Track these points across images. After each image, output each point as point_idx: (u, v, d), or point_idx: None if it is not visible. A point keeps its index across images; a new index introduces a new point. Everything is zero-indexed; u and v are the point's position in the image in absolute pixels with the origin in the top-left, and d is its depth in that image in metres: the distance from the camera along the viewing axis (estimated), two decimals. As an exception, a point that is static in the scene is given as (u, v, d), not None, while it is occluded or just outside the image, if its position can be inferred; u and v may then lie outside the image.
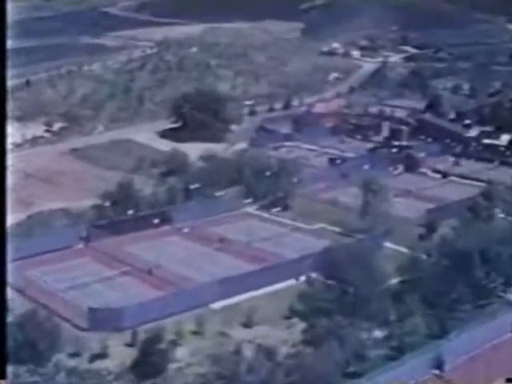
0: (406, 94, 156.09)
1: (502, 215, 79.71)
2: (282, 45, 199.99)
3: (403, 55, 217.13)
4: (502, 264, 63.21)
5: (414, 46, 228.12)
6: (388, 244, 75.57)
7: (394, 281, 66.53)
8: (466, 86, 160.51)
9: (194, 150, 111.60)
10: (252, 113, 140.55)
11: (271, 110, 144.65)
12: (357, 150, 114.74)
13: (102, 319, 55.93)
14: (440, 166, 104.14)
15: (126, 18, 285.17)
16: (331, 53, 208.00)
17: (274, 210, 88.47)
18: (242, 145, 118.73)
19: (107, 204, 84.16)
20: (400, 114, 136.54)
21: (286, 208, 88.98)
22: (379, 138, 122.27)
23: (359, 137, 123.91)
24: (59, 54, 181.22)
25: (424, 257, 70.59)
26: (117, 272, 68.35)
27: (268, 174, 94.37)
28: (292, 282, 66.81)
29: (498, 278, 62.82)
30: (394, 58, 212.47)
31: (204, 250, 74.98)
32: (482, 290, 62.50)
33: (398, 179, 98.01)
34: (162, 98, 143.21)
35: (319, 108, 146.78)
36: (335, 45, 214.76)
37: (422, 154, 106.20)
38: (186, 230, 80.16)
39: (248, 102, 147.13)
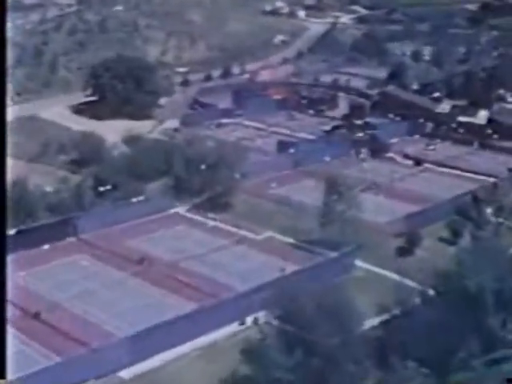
0: (362, 60, 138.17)
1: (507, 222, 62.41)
2: (221, 3, 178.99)
3: (353, 16, 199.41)
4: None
5: (365, 7, 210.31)
6: (359, 263, 58.27)
7: (374, 321, 49.39)
8: (426, 52, 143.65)
9: (113, 130, 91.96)
10: (185, 82, 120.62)
11: (208, 78, 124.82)
12: (310, 129, 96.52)
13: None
14: (410, 150, 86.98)
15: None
16: (275, 12, 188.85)
17: (211, 211, 69.92)
18: (173, 123, 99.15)
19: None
20: (357, 83, 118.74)
21: (225, 208, 70.55)
22: (335, 113, 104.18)
23: (312, 112, 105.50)
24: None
25: (408, 283, 53.95)
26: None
27: (204, 162, 75.25)
28: (234, 327, 48.82)
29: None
30: (344, 18, 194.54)
31: (117, 275, 56.03)
32: (495, 340, 45.68)
33: (362, 168, 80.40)
34: (80, 64, 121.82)
35: (264, 76, 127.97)
36: (279, 3, 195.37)
37: (388, 136, 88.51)
38: (95, 246, 61.11)
39: (181, 69, 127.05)
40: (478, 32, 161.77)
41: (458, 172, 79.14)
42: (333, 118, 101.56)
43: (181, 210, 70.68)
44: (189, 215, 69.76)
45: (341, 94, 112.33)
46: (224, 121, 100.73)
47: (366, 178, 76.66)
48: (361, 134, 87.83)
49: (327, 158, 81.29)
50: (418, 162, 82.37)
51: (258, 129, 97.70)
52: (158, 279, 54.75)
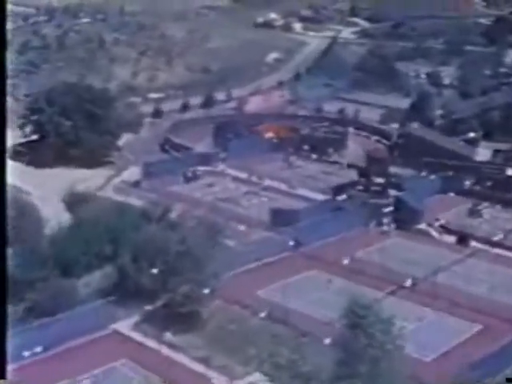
0: (370, 84, 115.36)
1: None
2: (206, 14, 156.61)
3: (355, 29, 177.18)
4: None
5: (367, 19, 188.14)
6: None
7: None
8: (445, 74, 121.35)
9: (52, 184, 69.53)
10: (157, 113, 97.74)
11: (185, 107, 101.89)
12: (313, 183, 73.70)
13: None
14: (448, 218, 64.27)
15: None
16: (267, 25, 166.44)
17: (169, 329, 47.13)
18: (134, 172, 76.21)
19: None
20: (369, 115, 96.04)
21: (191, 324, 47.72)
22: (344, 158, 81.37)
23: (314, 156, 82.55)
24: None
25: None
26: None
27: (166, 247, 52.14)
28: None
29: None
30: (345, 32, 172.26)
31: None
32: None
33: (387, 250, 57.63)
34: (29, 90, 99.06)
35: (254, 105, 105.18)
36: (273, 15, 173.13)
37: (417, 198, 65.60)
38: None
39: (154, 96, 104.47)
40: (500, 50, 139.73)
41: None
42: (341, 166, 78.87)
43: (124, 325, 47.79)
44: (134, 336, 46.87)
45: (350, 130, 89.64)
46: (201, 169, 77.83)
47: (393, 268, 54.02)
48: (382, 197, 64.86)
49: (337, 233, 58.68)
50: (463, 239, 59.71)
51: (245, 182, 74.70)
52: None
